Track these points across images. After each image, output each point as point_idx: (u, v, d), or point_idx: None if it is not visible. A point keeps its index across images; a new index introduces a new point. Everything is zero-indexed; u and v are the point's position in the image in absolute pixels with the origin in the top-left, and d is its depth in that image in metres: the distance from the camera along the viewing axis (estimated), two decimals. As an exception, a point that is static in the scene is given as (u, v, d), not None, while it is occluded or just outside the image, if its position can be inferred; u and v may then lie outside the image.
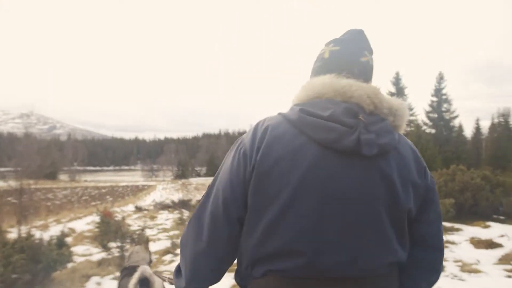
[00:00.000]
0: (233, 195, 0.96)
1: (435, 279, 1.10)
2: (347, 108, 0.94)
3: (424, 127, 28.62)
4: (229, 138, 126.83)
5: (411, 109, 28.35)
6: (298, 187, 0.90)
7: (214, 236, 0.99)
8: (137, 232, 6.23)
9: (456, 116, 28.00)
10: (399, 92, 28.63)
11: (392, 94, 27.99)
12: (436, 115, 28.49)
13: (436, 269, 1.10)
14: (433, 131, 28.24)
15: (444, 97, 28.38)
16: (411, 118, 28.44)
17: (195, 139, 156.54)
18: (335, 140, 0.90)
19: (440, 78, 28.54)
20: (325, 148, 0.91)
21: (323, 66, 1.09)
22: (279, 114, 1.03)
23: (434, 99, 28.72)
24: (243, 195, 0.96)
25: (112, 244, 5.88)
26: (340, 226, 0.90)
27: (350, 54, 1.07)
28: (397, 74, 28.97)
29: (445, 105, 28.28)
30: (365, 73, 1.06)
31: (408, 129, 28.46)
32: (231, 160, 1.00)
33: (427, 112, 28.83)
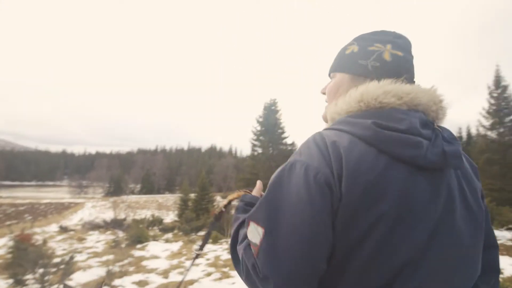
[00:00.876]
0: (319, 240, 0.76)
1: (496, 280, 0.99)
2: (422, 118, 0.86)
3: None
4: (167, 155, 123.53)
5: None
6: (394, 217, 0.76)
7: None
8: (64, 259, 5.07)
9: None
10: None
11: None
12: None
13: (496, 268, 1.00)
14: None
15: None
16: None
17: (130, 154, 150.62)
18: (420, 155, 0.80)
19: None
20: (410, 167, 0.80)
21: (383, 69, 0.94)
22: (335, 130, 0.87)
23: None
24: (328, 236, 0.77)
25: (29, 277, 4.66)
26: (450, 263, 0.80)
27: (410, 63, 0.97)
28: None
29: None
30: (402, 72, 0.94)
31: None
32: (304, 194, 0.77)
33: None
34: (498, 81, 27.68)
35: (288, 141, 32.98)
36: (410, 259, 0.77)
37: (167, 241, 12.83)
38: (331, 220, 0.77)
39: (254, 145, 32.53)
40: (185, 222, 17.29)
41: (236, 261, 0.95)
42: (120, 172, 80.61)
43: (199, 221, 17.12)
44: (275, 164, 30.69)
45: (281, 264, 0.76)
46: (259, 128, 32.43)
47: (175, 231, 16.23)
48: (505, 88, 27.35)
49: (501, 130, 26.57)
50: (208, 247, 10.89)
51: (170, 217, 26.74)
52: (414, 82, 0.96)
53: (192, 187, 33.21)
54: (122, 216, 20.08)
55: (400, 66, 0.94)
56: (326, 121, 1.05)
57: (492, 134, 27.72)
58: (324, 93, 1.10)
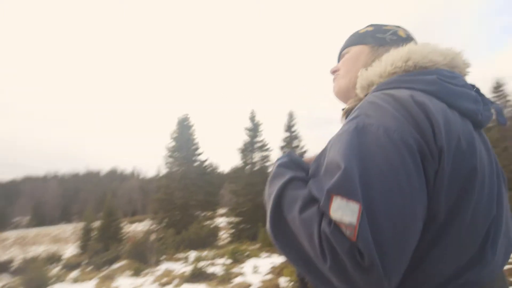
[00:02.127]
0: (420, 210, 0.67)
1: None
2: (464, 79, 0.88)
3: (279, 162, 30.03)
4: (60, 181, 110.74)
5: (265, 145, 29.59)
6: (481, 173, 0.74)
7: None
8: None
9: (304, 152, 30.38)
10: (256, 128, 29.61)
11: (250, 129, 28.67)
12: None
13: None
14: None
15: (294, 133, 30.76)
16: (266, 153, 29.72)
17: (13, 183, 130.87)
18: (479, 111, 0.82)
19: (291, 115, 31.03)
20: (468, 121, 0.79)
21: (399, 43, 0.98)
22: (398, 88, 0.81)
23: (287, 134, 30.81)
24: (425, 204, 0.69)
25: None
26: (509, 217, 0.83)
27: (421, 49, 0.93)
28: (253, 111, 30.11)
29: (295, 141, 30.61)
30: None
31: (263, 164, 29.57)
32: (394, 160, 0.66)
33: (281, 147, 30.59)
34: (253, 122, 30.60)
35: (202, 157, 31.96)
36: (495, 216, 0.76)
37: (75, 280, 10.43)
38: (425, 183, 0.69)
39: (168, 163, 30.50)
40: (94, 255, 14.67)
41: (284, 237, 0.74)
42: (2, 204, 68.93)
43: (110, 252, 14.69)
44: (191, 182, 29.13)
45: (389, 247, 0.63)
46: (173, 144, 30.60)
47: (83, 267, 13.56)
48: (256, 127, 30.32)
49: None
50: (129, 282, 9.03)
51: (70, 251, 22.99)
52: None
53: (96, 213, 29.51)
54: (6, 256, 16.27)
55: (414, 45, 0.92)
56: (343, 95, 1.05)
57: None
58: (334, 72, 1.10)
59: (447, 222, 0.70)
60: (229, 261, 12.75)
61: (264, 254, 13.99)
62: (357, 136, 0.70)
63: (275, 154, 29.92)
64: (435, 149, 0.69)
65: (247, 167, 29.16)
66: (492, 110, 0.86)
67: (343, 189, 0.65)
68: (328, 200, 0.66)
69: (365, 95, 0.89)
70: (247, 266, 10.58)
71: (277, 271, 9.56)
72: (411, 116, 0.71)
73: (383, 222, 0.63)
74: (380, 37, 1.01)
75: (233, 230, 27.20)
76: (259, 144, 29.47)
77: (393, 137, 0.68)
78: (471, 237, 0.72)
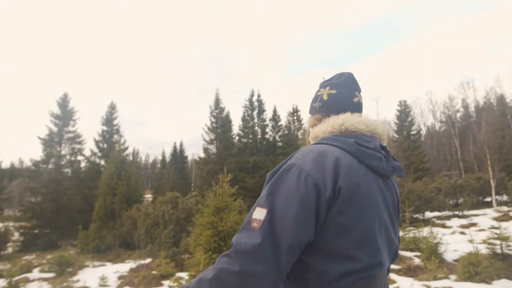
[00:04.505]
0: (305, 222, 1.06)
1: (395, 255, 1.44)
2: (378, 142, 1.28)
3: (94, 158, 26.52)
4: None
5: (79, 136, 25.63)
6: (372, 207, 1.15)
7: (285, 267, 1.06)
8: None
9: (126, 148, 27.92)
10: (67, 115, 25.26)
11: (57, 117, 24.25)
12: (106, 145, 27.22)
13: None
14: (102, 162, 26.68)
15: (115, 127, 27.87)
16: (79, 146, 25.70)
17: None
18: (381, 166, 1.21)
19: (112, 108, 27.96)
20: (375, 173, 1.21)
21: (323, 106, 1.37)
22: (326, 144, 1.22)
23: (105, 128, 27.56)
24: (312, 221, 1.07)
25: None
26: (386, 233, 1.23)
27: (345, 96, 1.35)
28: (66, 95, 25.60)
29: (115, 136, 27.76)
30: (359, 110, 1.37)
31: (74, 158, 25.45)
32: (295, 190, 1.08)
33: (97, 142, 27.09)
34: (217, 103, 32.18)
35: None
36: (379, 237, 1.17)
37: None
38: (316, 212, 1.07)
39: None
40: None
41: None
42: None
43: None
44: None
45: (277, 230, 1.06)
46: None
47: None
48: (222, 109, 32.11)
49: (220, 144, 30.89)
50: None
51: None
52: (359, 105, 1.38)
53: None
54: None
55: (334, 100, 1.35)
56: (306, 141, 1.48)
57: (211, 147, 31.84)
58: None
59: (345, 233, 1.09)
60: (51, 274, 10.17)
61: (96, 263, 11.88)
62: (284, 172, 1.13)
63: (89, 148, 26.21)
64: (334, 187, 1.08)
65: (52, 160, 24.41)
66: (394, 165, 1.28)
67: (260, 203, 1.11)
68: (253, 210, 1.12)
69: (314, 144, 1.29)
70: (86, 279, 8.66)
71: (135, 279, 8.23)
72: (322, 165, 1.10)
73: (278, 219, 1.06)
74: (313, 106, 1.42)
75: (23, 238, 21.96)
76: (70, 135, 25.23)
77: (301, 176, 1.09)
78: (360, 243, 1.11)
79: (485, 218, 13.23)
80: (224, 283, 1.03)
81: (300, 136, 34.00)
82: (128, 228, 14.52)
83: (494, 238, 7.03)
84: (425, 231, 8.56)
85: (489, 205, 17.11)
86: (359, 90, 1.39)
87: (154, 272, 8.61)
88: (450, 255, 7.77)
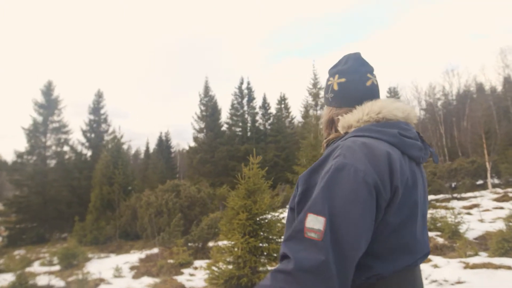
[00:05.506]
0: (369, 228, 0.97)
1: None
2: (414, 129, 1.22)
3: (81, 147, 25.66)
4: None
5: (65, 126, 24.70)
6: (418, 200, 1.10)
7: (350, 282, 0.96)
8: None
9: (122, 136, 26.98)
10: (52, 104, 24.27)
11: (42, 106, 23.32)
12: (94, 135, 26.35)
13: None
14: (89, 152, 25.85)
15: (103, 116, 26.98)
16: (65, 137, 24.76)
17: None
18: (421, 156, 1.16)
19: (99, 96, 27.01)
20: (413, 162, 1.14)
21: (336, 98, 1.27)
22: (368, 137, 1.11)
23: (92, 117, 26.63)
24: (373, 226, 0.99)
25: None
26: (424, 219, 1.20)
27: (357, 83, 1.23)
28: (50, 83, 24.55)
29: (103, 125, 26.88)
30: (376, 92, 1.25)
31: (60, 149, 24.55)
32: (355, 193, 0.96)
33: (84, 131, 26.16)
34: (207, 90, 31.66)
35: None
36: (423, 228, 1.16)
37: None
38: (376, 215, 0.99)
39: None
40: None
41: None
42: None
43: None
44: None
45: (342, 244, 0.93)
46: None
47: None
48: (211, 97, 31.62)
49: (210, 133, 30.49)
50: None
51: None
52: (374, 88, 1.26)
53: None
54: None
55: (347, 90, 1.24)
56: (330, 130, 1.32)
57: (201, 136, 31.38)
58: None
59: (397, 230, 1.04)
60: (55, 267, 9.76)
61: (101, 254, 11.49)
62: (334, 172, 0.99)
63: (76, 138, 25.36)
64: (391, 187, 1.01)
65: (36, 151, 23.42)
66: (429, 152, 1.22)
67: (314, 209, 0.96)
68: (305, 217, 0.96)
69: (345, 133, 1.20)
70: (96, 271, 8.33)
71: (152, 269, 7.95)
72: (376, 163, 1.00)
73: (342, 231, 0.93)
74: (326, 98, 1.32)
75: (8, 232, 21.08)
76: (55, 125, 24.22)
77: (358, 176, 0.97)
78: (410, 238, 1.08)
79: (483, 199, 13.55)
80: None
81: (287, 124, 33.96)
82: (127, 218, 14.13)
83: (513, 216, 7.13)
84: (442, 211, 8.62)
85: (482, 187, 17.57)
86: (371, 71, 1.26)
87: (170, 261, 8.35)
88: (469, 234, 7.86)
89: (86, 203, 20.37)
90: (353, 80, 1.23)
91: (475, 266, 5.34)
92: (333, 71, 1.29)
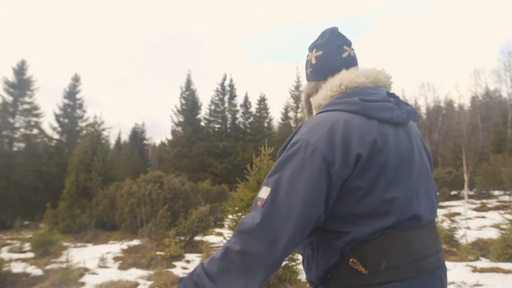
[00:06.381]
0: (314, 201, 1.00)
1: None
2: (385, 91, 1.18)
3: (52, 132, 24.34)
4: None
5: (36, 108, 23.35)
6: (395, 163, 1.05)
7: (289, 247, 1.02)
8: None
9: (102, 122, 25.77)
10: (24, 84, 22.89)
11: (12, 86, 22.01)
12: (67, 120, 25.03)
13: None
14: (62, 138, 24.57)
15: (79, 102, 25.69)
16: (36, 119, 23.38)
17: None
18: (395, 116, 1.11)
19: (76, 80, 25.72)
20: (391, 125, 1.10)
21: (314, 71, 1.28)
22: (330, 111, 1.12)
23: (67, 101, 25.31)
24: (322, 199, 1.01)
25: None
26: (429, 188, 1.16)
27: (333, 55, 1.25)
28: (23, 62, 23.15)
29: (78, 111, 25.58)
30: (353, 63, 1.25)
31: (30, 132, 23.17)
32: (302, 166, 1.02)
33: (57, 116, 24.81)
34: (188, 84, 31.01)
35: None
36: (411, 189, 1.07)
37: None
38: (327, 188, 1.00)
39: None
40: None
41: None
42: None
43: None
44: None
45: (280, 210, 1.00)
46: None
47: None
48: (193, 91, 31.01)
49: (189, 128, 29.84)
50: None
51: None
52: (351, 59, 1.25)
53: None
54: None
55: (323, 62, 1.25)
56: (309, 107, 1.35)
57: (179, 130, 30.67)
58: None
59: (367, 193, 1.01)
60: (27, 255, 9.05)
61: (78, 243, 10.81)
62: (289, 148, 1.06)
63: (48, 122, 24.04)
64: (349, 155, 1.00)
65: (3, 133, 21.87)
66: (407, 110, 1.16)
67: (266, 182, 1.05)
68: (260, 189, 1.07)
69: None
70: (83, 260, 7.77)
71: (140, 260, 7.49)
72: (329, 135, 1.02)
73: (281, 198, 1.00)
74: (306, 73, 1.34)
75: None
76: (26, 106, 22.80)
77: (308, 150, 1.01)
78: (387, 200, 1.02)
79: (462, 208, 13.94)
80: (230, 262, 1.02)
81: (266, 125, 33.86)
82: (105, 207, 13.44)
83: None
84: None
85: (457, 197, 18.16)
86: (348, 44, 1.27)
87: (159, 253, 7.93)
88: (462, 240, 7.97)
89: (55, 190, 19.26)
90: (329, 53, 1.25)
91: (483, 270, 5.35)
92: (311, 47, 1.31)
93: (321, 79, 1.25)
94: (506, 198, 15.17)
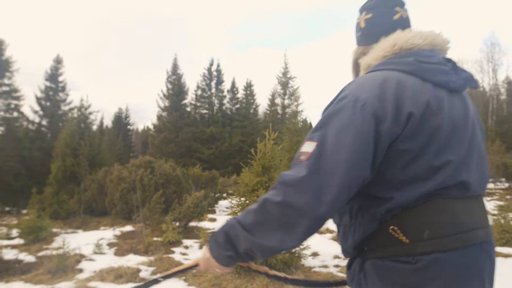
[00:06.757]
0: (362, 156, 0.95)
1: None
2: (441, 55, 1.13)
3: (34, 116, 23.53)
4: None
5: (16, 91, 22.45)
6: (449, 125, 1.01)
7: (334, 204, 0.96)
8: None
9: (89, 105, 24.94)
10: (2, 65, 21.94)
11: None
12: (49, 103, 24.21)
13: None
14: (44, 121, 23.80)
15: (61, 84, 24.81)
16: (16, 102, 22.48)
17: None
18: (451, 80, 1.06)
19: (58, 62, 24.77)
20: (445, 90, 1.05)
21: (363, 35, 1.24)
22: (382, 70, 1.07)
23: (48, 84, 24.41)
24: (370, 155, 0.96)
25: None
26: (482, 158, 1.11)
27: (384, 17, 1.19)
28: (1, 42, 22.13)
29: (61, 94, 24.74)
30: (405, 26, 1.18)
31: (10, 115, 22.31)
32: (350, 121, 0.97)
33: (38, 99, 23.94)
34: (175, 68, 30.39)
35: None
36: (462, 158, 1.02)
37: None
38: (375, 145, 0.95)
39: None
40: None
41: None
42: None
43: None
44: None
45: (327, 164, 0.95)
46: None
47: None
48: (179, 75, 30.43)
49: (175, 113, 29.39)
50: None
51: None
52: (403, 21, 1.19)
53: None
54: None
55: (373, 26, 1.20)
56: (356, 72, 1.29)
57: (165, 115, 30.16)
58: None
59: (416, 158, 0.97)
60: (17, 241, 8.78)
61: (68, 229, 10.56)
62: (336, 103, 1.03)
63: (29, 105, 23.21)
64: (401, 114, 0.96)
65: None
66: (465, 76, 1.11)
67: (310, 137, 1.01)
68: (302, 144, 1.03)
69: None
70: (79, 246, 7.59)
71: (138, 246, 7.37)
72: (381, 92, 0.98)
73: (328, 152, 0.96)
74: (356, 37, 1.29)
75: None
76: (5, 89, 21.84)
77: (357, 105, 0.97)
78: (434, 165, 0.98)
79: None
80: (267, 213, 0.99)
81: (252, 111, 33.68)
82: (93, 192, 13.16)
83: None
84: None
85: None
86: (400, 4, 1.21)
87: (156, 238, 7.82)
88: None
89: (37, 175, 18.71)
90: (379, 15, 1.20)
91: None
92: (361, 8, 1.26)
93: (370, 43, 1.19)
94: (491, 185, 15.62)
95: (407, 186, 0.98)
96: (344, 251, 1.16)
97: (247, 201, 5.48)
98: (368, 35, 1.21)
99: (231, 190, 5.87)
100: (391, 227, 0.98)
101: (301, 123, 16.33)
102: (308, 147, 1.00)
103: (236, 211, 5.61)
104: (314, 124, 1.07)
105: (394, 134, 0.96)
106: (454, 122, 1.03)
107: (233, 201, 5.71)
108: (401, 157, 0.98)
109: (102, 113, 51.07)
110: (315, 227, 0.98)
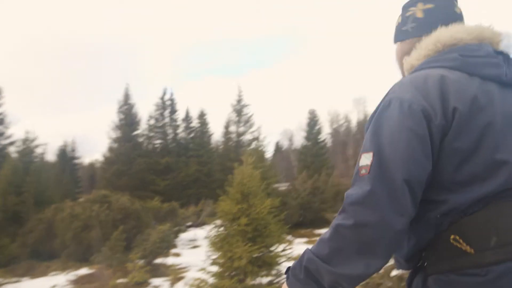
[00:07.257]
0: (420, 153, 0.92)
1: None
2: (491, 48, 1.04)
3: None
4: None
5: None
6: (501, 120, 0.95)
7: (409, 207, 0.92)
8: None
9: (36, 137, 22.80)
10: None
11: None
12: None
13: None
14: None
15: (0, 117, 22.77)
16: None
17: None
18: (502, 73, 0.99)
19: (-4, 93, 22.82)
20: (496, 84, 0.98)
21: (419, 26, 1.13)
22: (424, 68, 1.03)
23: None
24: (429, 150, 0.93)
25: None
26: None
27: (447, 8, 1.12)
28: None
29: (0, 127, 22.63)
30: (462, 21, 1.13)
31: None
32: (400, 122, 0.94)
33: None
34: (126, 98, 29.42)
35: None
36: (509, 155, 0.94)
37: None
38: (430, 141, 0.92)
39: None
40: None
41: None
42: None
43: None
44: None
45: (389, 172, 0.90)
46: None
47: None
48: (131, 105, 29.46)
49: (127, 144, 28.12)
50: None
51: None
52: (462, 17, 1.14)
53: None
54: None
55: (434, 16, 1.11)
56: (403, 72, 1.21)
57: (116, 146, 28.75)
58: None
59: (469, 157, 0.93)
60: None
61: (12, 279, 9.28)
62: (384, 108, 0.99)
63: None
64: (447, 109, 0.93)
65: None
66: None
67: (364, 149, 0.98)
68: (359, 158, 0.98)
69: None
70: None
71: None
72: (425, 89, 0.95)
73: (386, 158, 0.92)
74: (404, 31, 1.19)
75: None
76: None
77: (404, 106, 0.94)
78: (490, 163, 0.94)
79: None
80: (343, 239, 0.93)
81: (205, 140, 33.26)
82: (40, 233, 11.88)
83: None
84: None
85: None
86: None
87: (121, 280, 7.09)
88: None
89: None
90: (442, 5, 1.14)
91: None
92: (414, 1, 1.18)
93: (424, 33, 1.11)
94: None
95: (462, 188, 0.93)
96: (397, 262, 1.10)
97: (227, 231, 5.13)
98: (427, 25, 1.12)
99: (212, 221, 5.46)
100: (452, 236, 0.92)
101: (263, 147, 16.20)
102: (366, 159, 0.95)
103: (214, 241, 5.21)
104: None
105: (444, 130, 0.93)
106: (510, 118, 0.97)
107: (211, 232, 5.31)
108: (452, 157, 0.93)
109: (44, 148, 47.68)
110: (396, 241, 0.93)
